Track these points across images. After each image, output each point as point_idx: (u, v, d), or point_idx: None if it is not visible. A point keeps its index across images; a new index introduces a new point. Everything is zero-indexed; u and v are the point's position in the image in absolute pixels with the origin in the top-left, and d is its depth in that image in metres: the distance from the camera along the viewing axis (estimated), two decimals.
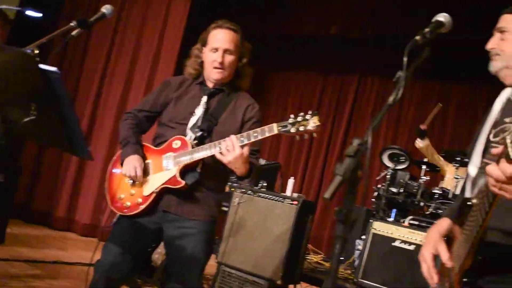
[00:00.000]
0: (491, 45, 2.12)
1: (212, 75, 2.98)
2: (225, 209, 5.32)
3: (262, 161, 6.17)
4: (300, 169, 8.83)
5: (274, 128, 2.61)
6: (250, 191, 5.06)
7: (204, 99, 2.99)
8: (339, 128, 8.70)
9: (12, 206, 5.35)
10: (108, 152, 7.01)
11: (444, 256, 1.98)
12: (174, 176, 2.84)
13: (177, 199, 2.89)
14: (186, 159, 2.83)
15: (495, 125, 2.06)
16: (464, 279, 1.88)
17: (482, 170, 1.95)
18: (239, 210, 5.02)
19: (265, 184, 5.42)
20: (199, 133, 2.90)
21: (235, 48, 2.97)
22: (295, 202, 4.73)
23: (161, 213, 2.91)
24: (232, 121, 2.95)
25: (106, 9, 2.94)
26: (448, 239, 2.07)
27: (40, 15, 3.93)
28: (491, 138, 2.03)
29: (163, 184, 2.87)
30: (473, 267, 1.86)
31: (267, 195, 4.96)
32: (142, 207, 2.89)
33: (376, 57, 8.20)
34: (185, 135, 2.92)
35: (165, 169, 2.91)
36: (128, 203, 2.95)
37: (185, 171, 2.86)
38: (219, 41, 2.94)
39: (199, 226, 2.89)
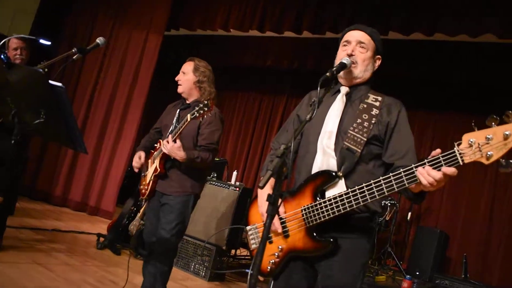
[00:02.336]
0: (352, 51, 2.04)
1: (178, 90, 3.28)
2: None
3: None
4: (241, 164, 8.89)
5: (188, 117, 2.83)
6: None
7: (177, 111, 3.26)
8: (271, 135, 8.80)
9: (20, 186, 5.19)
10: (96, 145, 6.98)
11: (282, 215, 2.01)
12: (156, 167, 3.14)
13: (162, 181, 3.16)
14: (158, 154, 3.16)
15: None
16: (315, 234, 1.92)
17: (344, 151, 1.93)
18: None
19: (215, 175, 5.46)
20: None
21: (188, 71, 3.24)
22: (237, 189, 4.79)
23: (158, 192, 3.18)
24: (193, 126, 3.08)
25: (100, 40, 2.90)
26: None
27: (49, 43, 3.88)
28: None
29: (152, 174, 3.16)
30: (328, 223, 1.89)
31: (216, 183, 5.00)
32: (147, 191, 3.19)
33: (300, 83, 8.36)
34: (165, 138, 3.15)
35: (153, 163, 3.21)
36: (143, 191, 3.25)
37: (166, 161, 3.13)
38: (182, 68, 3.30)
39: (174, 199, 3.10)
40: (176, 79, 3.28)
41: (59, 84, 1.94)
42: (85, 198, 6.92)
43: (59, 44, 7.18)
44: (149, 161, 3.31)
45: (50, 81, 1.92)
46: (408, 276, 4.87)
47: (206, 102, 2.82)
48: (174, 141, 2.92)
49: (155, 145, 3.33)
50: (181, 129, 2.91)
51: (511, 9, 4.82)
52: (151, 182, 3.17)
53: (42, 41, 3.83)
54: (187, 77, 3.25)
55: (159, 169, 3.11)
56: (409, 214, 6.31)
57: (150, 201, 3.29)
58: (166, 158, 3.13)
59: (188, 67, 3.28)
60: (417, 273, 5.49)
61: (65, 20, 7.67)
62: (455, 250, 6.35)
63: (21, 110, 2.12)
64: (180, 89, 3.27)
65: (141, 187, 3.33)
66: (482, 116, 1.57)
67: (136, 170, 3.30)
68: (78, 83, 7.29)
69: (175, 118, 3.24)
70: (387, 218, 5.85)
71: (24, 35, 4.46)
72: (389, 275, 5.30)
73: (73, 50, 2.70)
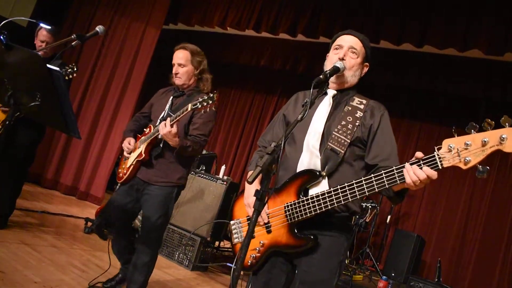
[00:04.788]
0: (344, 55, 2.04)
1: (175, 82, 3.11)
2: None
3: (203, 151, 6.16)
4: (230, 159, 8.86)
5: (189, 107, 2.68)
6: (192, 172, 5.05)
7: (170, 98, 3.10)
8: (260, 133, 8.76)
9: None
10: (89, 132, 6.92)
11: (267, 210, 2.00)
12: (141, 152, 2.95)
13: (146, 169, 2.98)
14: (146, 139, 2.98)
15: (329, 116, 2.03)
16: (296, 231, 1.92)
17: (327, 152, 1.92)
18: None
19: (204, 168, 5.44)
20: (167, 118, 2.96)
21: (186, 62, 3.06)
22: (225, 183, 4.77)
23: (138, 179, 3.00)
24: (187, 115, 2.86)
25: (99, 28, 2.88)
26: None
27: (49, 27, 3.83)
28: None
29: (135, 158, 2.98)
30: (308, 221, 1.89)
31: (205, 176, 4.97)
32: (126, 176, 3.02)
33: (291, 84, 8.34)
34: (156, 124, 3.01)
35: (138, 148, 3.03)
36: (121, 174, 3.08)
37: (152, 148, 2.97)
38: (174, 58, 3.08)
39: (157, 190, 2.94)
40: (174, 72, 3.09)
41: (57, 68, 1.90)
42: (75, 183, 6.85)
43: (59, 31, 7.09)
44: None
45: (48, 65, 1.88)
46: (384, 276, 4.90)
47: (211, 95, 2.65)
48: (171, 126, 2.76)
49: (145, 129, 3.14)
50: (180, 117, 2.74)
51: (495, 27, 4.88)
52: (131, 166, 2.98)
53: (42, 24, 3.77)
54: (187, 69, 3.08)
55: (143, 155, 2.93)
56: (389, 217, 6.34)
57: (125, 184, 3.07)
58: (153, 145, 2.96)
59: (184, 57, 3.07)
60: (393, 274, 5.52)
61: (67, 7, 7.56)
62: (430, 255, 6.41)
63: (18, 91, 2.08)
64: (179, 82, 3.09)
65: (120, 170, 3.14)
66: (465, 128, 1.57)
67: (129, 156, 3.12)
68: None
69: (167, 105, 3.07)
70: (367, 220, 5.87)
71: (24, 17, 4.42)
72: (366, 275, 5.32)
73: (72, 37, 2.67)
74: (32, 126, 3.91)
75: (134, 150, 3.07)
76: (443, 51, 5.50)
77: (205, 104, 2.64)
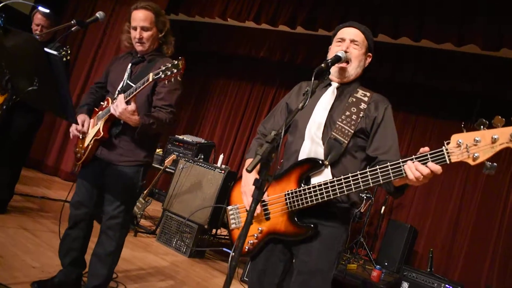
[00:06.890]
0: (346, 48, 1.99)
1: (136, 48, 2.64)
2: (172, 171, 5.25)
3: (202, 140, 6.10)
4: (228, 149, 8.79)
5: (150, 77, 2.24)
6: (191, 161, 4.99)
7: (129, 66, 2.63)
8: (258, 123, 8.66)
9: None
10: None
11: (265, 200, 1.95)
12: (99, 130, 2.53)
13: (107, 149, 2.56)
14: (104, 114, 2.55)
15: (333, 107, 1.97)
16: (295, 218, 1.86)
17: (330, 141, 1.87)
18: (182, 173, 4.94)
19: (202, 157, 5.38)
20: (119, 95, 2.46)
21: (151, 24, 2.58)
22: (223, 171, 4.71)
23: (99, 160, 2.59)
24: (147, 86, 2.42)
25: (99, 14, 2.80)
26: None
27: (48, 10, 3.74)
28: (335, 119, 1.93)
29: (93, 137, 2.56)
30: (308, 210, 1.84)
31: (203, 164, 4.91)
32: (84, 156, 2.61)
33: (289, 76, 8.26)
34: (114, 96, 2.57)
35: (96, 124, 2.61)
36: (78, 155, 2.68)
37: (112, 125, 2.55)
38: (136, 20, 2.58)
39: (122, 170, 2.55)
40: (138, 37, 2.59)
41: (55, 52, 1.82)
42: (76, 169, 6.80)
43: (58, 18, 6.98)
44: (92, 120, 2.67)
45: (46, 49, 1.80)
46: (378, 266, 4.86)
47: (176, 62, 2.19)
48: (128, 102, 2.32)
49: (102, 102, 2.69)
50: (138, 90, 2.29)
51: (491, 23, 4.81)
52: (90, 146, 2.55)
53: (41, 8, 3.68)
54: (152, 33, 2.60)
55: (102, 133, 2.50)
56: (383, 208, 6.30)
57: (87, 166, 2.68)
58: (112, 121, 2.52)
59: (149, 19, 2.58)
60: (386, 264, 5.49)
61: None
62: (422, 245, 6.38)
63: (15, 75, 2.00)
64: (143, 48, 2.62)
65: (77, 149, 2.70)
66: (459, 123, 1.53)
67: (72, 137, 2.69)
68: (77, 59, 7.12)
69: (126, 74, 2.61)
70: (362, 211, 5.84)
71: (27, 1, 4.33)
72: (360, 264, 5.29)
73: (72, 22, 2.60)
74: (30, 110, 3.83)
75: (93, 125, 2.65)
76: (440, 45, 5.43)
77: (168, 73, 2.19)
